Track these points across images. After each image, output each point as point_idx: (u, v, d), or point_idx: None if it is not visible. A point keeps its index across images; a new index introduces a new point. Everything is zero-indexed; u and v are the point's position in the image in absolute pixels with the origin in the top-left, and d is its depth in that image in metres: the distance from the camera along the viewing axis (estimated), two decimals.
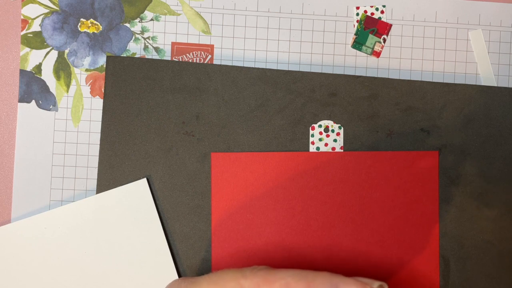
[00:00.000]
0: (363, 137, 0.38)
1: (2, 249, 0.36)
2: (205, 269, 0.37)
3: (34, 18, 0.38)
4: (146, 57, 0.38)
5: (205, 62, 0.38)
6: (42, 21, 0.38)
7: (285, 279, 0.28)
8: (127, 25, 0.38)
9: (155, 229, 0.36)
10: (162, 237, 0.36)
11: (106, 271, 0.36)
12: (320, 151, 0.37)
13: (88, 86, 0.38)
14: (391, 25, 0.39)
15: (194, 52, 0.38)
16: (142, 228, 0.36)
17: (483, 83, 0.39)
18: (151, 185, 0.37)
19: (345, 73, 0.39)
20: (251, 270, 0.29)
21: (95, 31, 0.38)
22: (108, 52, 0.38)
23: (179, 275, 0.37)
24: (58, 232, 0.36)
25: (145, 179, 0.37)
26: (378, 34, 0.39)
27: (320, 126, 0.37)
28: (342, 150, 0.37)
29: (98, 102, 0.38)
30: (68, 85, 0.38)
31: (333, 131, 0.37)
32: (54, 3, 0.38)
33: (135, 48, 0.38)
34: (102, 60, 0.38)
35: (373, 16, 0.39)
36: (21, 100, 0.38)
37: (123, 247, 0.36)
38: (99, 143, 0.37)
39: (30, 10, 0.38)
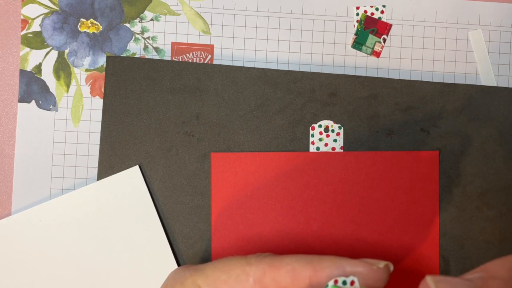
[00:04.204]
0: (363, 137, 0.38)
1: None
2: None
3: (34, 18, 0.38)
4: (146, 57, 0.38)
5: (205, 62, 0.38)
6: (42, 21, 0.38)
7: (291, 264, 0.28)
8: (127, 25, 0.38)
9: (150, 216, 0.36)
10: (158, 224, 0.36)
11: (103, 260, 0.36)
12: (320, 151, 0.37)
13: (88, 86, 0.38)
14: (391, 25, 0.39)
15: (194, 52, 0.38)
16: (138, 215, 0.36)
17: (483, 83, 0.39)
18: (150, 185, 0.37)
19: (345, 73, 0.39)
20: (256, 257, 0.29)
21: (95, 31, 0.38)
22: (108, 52, 0.38)
23: None
24: (53, 224, 0.36)
25: (137, 167, 0.36)
26: (378, 34, 0.39)
27: (320, 126, 0.37)
28: (342, 150, 0.37)
29: (98, 102, 0.38)
30: (68, 85, 0.38)
31: (333, 131, 0.37)
32: (54, 3, 0.38)
33: (135, 48, 0.38)
34: (102, 60, 0.38)
35: (373, 16, 0.39)
36: (21, 100, 0.38)
37: (119, 235, 0.36)
38: (99, 143, 0.37)
39: (30, 10, 0.38)
